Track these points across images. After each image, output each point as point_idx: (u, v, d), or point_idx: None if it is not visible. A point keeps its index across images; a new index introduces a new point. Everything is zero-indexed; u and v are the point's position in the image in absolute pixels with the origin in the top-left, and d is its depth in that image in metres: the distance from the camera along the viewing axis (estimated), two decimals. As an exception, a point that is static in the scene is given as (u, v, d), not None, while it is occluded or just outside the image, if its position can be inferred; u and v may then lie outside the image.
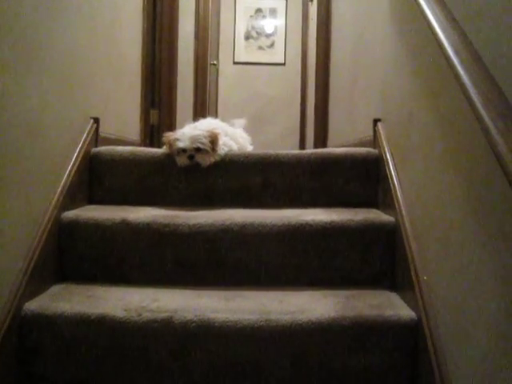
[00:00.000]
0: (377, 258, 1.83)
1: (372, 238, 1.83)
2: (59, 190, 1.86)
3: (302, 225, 1.81)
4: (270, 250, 1.82)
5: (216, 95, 6.84)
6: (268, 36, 7.25)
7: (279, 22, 7.23)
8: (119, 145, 2.44)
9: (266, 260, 1.82)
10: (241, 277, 1.82)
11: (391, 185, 1.91)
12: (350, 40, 3.12)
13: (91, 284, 1.79)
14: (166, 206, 2.08)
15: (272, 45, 7.23)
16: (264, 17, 7.27)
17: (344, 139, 3.24)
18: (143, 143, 3.26)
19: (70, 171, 1.95)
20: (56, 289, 1.75)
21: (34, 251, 1.66)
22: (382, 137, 2.11)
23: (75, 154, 2.01)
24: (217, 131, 2.17)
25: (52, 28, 1.81)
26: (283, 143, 6.90)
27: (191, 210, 2.02)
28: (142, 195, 2.15)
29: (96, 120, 2.23)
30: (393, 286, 1.81)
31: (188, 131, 2.14)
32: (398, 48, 1.98)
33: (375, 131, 2.21)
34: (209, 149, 2.09)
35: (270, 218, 1.85)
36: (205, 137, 2.10)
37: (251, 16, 7.26)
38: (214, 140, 2.12)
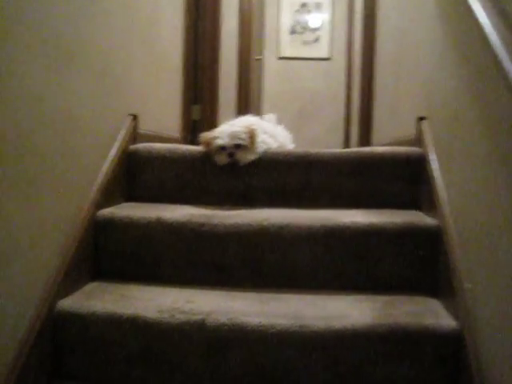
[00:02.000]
0: (417, 263, 1.76)
1: (413, 242, 1.76)
2: (95, 187, 1.86)
3: (339, 227, 1.75)
4: (307, 252, 1.77)
5: (260, 90, 6.79)
6: (313, 31, 7.15)
7: (324, 16, 7.13)
8: (158, 142, 2.42)
9: (302, 262, 1.77)
10: (276, 279, 1.78)
11: (436, 186, 1.83)
12: (395, 36, 3.03)
13: (125, 283, 1.78)
14: (203, 205, 2.05)
15: (317, 39, 7.13)
16: (309, 11, 7.17)
17: (387, 137, 3.16)
18: (184, 140, 3.25)
19: (108, 169, 1.94)
20: (90, 287, 1.74)
21: (69, 249, 1.65)
22: (427, 135, 2.02)
23: (112, 151, 2.00)
24: (254, 127, 2.13)
25: (88, 26, 1.80)
26: (327, 140, 6.81)
27: (228, 209, 1.99)
28: (179, 193, 2.12)
29: (134, 117, 2.22)
30: (433, 293, 1.73)
31: (226, 128, 2.11)
32: (443, 44, 1.89)
33: (419, 130, 2.13)
34: (248, 145, 2.06)
35: (307, 219, 1.79)
36: (244, 133, 2.07)
37: (296, 10, 7.18)
38: (252, 136, 2.08)
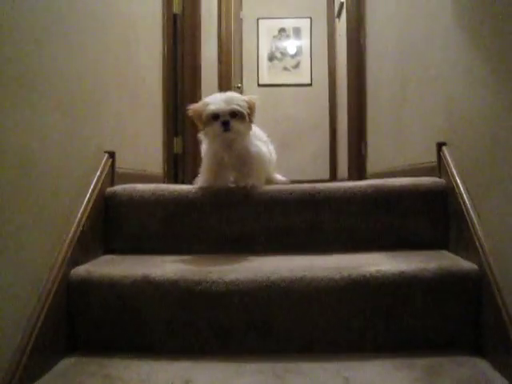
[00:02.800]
0: (457, 316, 1.48)
1: (450, 291, 1.48)
2: (67, 240, 1.55)
3: (365, 278, 1.46)
4: (326, 311, 1.47)
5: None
6: (293, 56, 6.97)
7: (304, 41, 6.97)
8: (140, 180, 2.14)
9: (320, 323, 1.47)
10: (289, 344, 1.48)
11: (469, 222, 1.56)
12: (394, 53, 2.79)
13: (108, 357, 1.46)
14: (197, 254, 1.76)
15: (297, 65, 6.95)
16: (288, 36, 7.01)
17: (388, 165, 2.91)
18: (166, 176, 2.95)
19: (81, 217, 1.63)
20: (65, 365, 1.42)
21: (36, 319, 1.34)
22: (451, 164, 1.76)
23: (87, 196, 1.70)
24: (254, 100, 1.82)
25: (53, 48, 1.51)
26: (312, 169, 6.57)
27: (227, 259, 1.69)
28: (168, 241, 1.82)
29: (111, 154, 1.92)
30: (478, 350, 1.45)
31: (221, 94, 1.81)
32: (470, 55, 1.64)
33: (440, 157, 1.86)
34: (246, 114, 1.76)
35: (323, 269, 1.50)
36: (242, 100, 1.77)
37: (274, 36, 7.01)
38: (251, 107, 1.78)
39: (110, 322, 1.52)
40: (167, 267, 1.57)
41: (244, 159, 1.84)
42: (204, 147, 1.91)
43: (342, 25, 5.43)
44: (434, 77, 2.03)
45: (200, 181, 1.88)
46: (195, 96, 3.82)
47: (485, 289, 1.44)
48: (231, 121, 1.73)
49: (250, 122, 1.79)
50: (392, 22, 2.86)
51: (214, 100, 1.75)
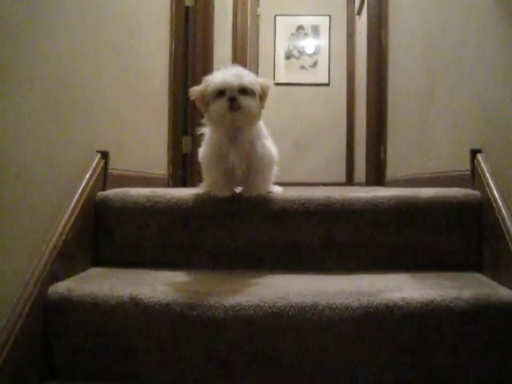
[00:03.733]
0: (496, 355, 1.26)
1: (488, 325, 1.26)
2: (47, 252, 1.35)
3: (388, 307, 1.24)
4: (340, 345, 1.26)
5: (256, 119, 6.33)
6: (311, 55, 6.74)
7: (322, 39, 6.74)
8: (140, 183, 1.96)
9: (333, 358, 1.26)
10: (298, 382, 1.27)
11: (509, 242, 1.35)
12: (420, 50, 2.57)
13: (89, 388, 1.27)
14: (195, 270, 1.55)
15: (315, 64, 6.72)
16: (306, 34, 6.78)
17: (410, 171, 2.70)
18: (172, 178, 2.75)
19: (65, 225, 1.44)
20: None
21: (8, 346, 1.15)
22: (487, 174, 1.54)
23: (73, 202, 1.50)
24: (268, 81, 1.55)
25: (35, 31, 1.32)
26: (327, 173, 6.35)
27: (228, 277, 1.48)
28: (163, 254, 1.62)
29: (104, 154, 1.72)
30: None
31: (230, 68, 1.50)
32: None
33: (474, 166, 1.64)
34: (257, 96, 1.48)
35: (338, 294, 1.29)
36: (254, 79, 1.49)
37: (292, 34, 6.79)
38: (264, 90, 1.51)
39: (92, 348, 1.32)
40: (159, 286, 1.36)
41: (251, 161, 1.58)
42: (203, 145, 1.64)
43: (362, 23, 5.21)
44: (467, 75, 1.81)
45: (204, 186, 1.67)
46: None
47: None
48: (238, 97, 1.44)
49: (262, 107, 1.52)
50: (418, 16, 2.64)
51: (219, 74, 1.47)
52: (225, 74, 1.46)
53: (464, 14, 1.85)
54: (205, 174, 1.64)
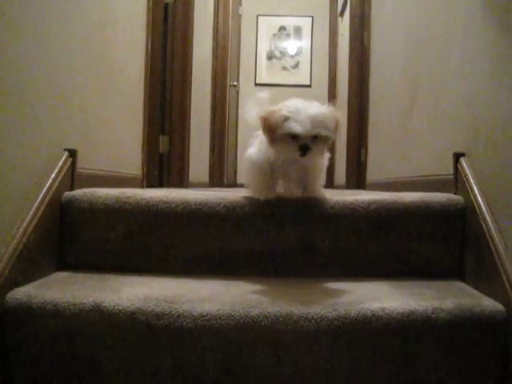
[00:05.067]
0: (477, 368, 1.21)
1: (471, 338, 1.20)
2: (6, 256, 1.27)
3: (366, 318, 1.18)
4: (317, 357, 1.19)
5: (236, 118, 6.26)
6: (292, 56, 6.69)
7: (304, 40, 6.70)
8: (111, 183, 1.88)
9: (310, 371, 1.19)
10: (272, 396, 1.20)
11: (493, 250, 1.30)
12: (403, 51, 2.51)
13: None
14: (164, 277, 1.47)
15: (297, 65, 6.68)
16: (288, 35, 6.74)
17: (391, 175, 2.64)
18: (147, 178, 2.67)
19: (27, 227, 1.35)
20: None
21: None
22: (471, 179, 1.48)
23: (36, 202, 1.41)
24: (340, 115, 1.44)
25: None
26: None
27: (200, 284, 1.41)
28: (131, 259, 1.53)
29: (72, 153, 1.63)
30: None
31: (303, 106, 1.38)
32: (498, 49, 1.37)
33: (457, 170, 1.59)
34: (330, 137, 1.39)
35: (315, 303, 1.22)
36: (329, 118, 1.38)
37: (274, 34, 6.75)
38: (337, 126, 1.40)
39: (53, 360, 1.23)
40: (125, 293, 1.28)
41: (306, 170, 1.50)
42: (256, 149, 1.56)
43: (344, 24, 5.17)
44: (451, 77, 1.75)
45: (253, 191, 1.56)
46: (185, 94, 3.55)
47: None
48: (312, 145, 1.36)
49: (333, 139, 1.42)
50: (401, 16, 2.59)
51: (295, 115, 1.35)
52: (302, 116, 1.34)
53: (448, 15, 1.80)
54: (250, 177, 1.56)
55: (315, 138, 1.35)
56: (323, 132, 1.35)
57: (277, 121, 1.36)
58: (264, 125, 1.40)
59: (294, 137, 1.35)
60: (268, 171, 1.49)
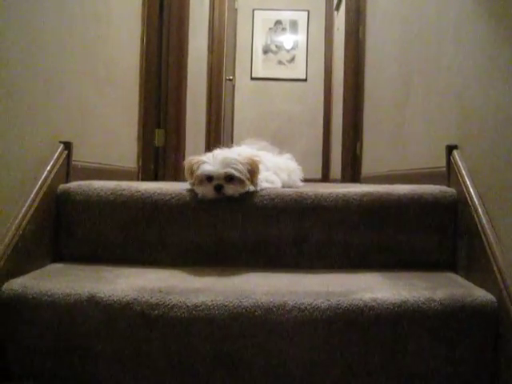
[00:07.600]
0: (469, 357, 1.22)
1: (462, 327, 1.22)
2: (2, 247, 1.28)
3: (358, 308, 1.19)
4: (310, 347, 1.20)
5: (232, 113, 6.26)
6: (288, 50, 6.69)
7: (300, 34, 6.69)
8: (106, 176, 1.88)
9: (303, 360, 1.21)
10: (266, 386, 1.21)
11: (484, 241, 1.32)
12: (397, 45, 2.52)
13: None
14: (158, 268, 1.48)
15: (293, 59, 6.67)
16: (284, 29, 6.73)
17: (386, 168, 2.65)
18: (143, 171, 2.68)
19: (22, 219, 1.36)
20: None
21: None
22: (463, 171, 1.50)
23: (32, 194, 1.42)
24: (257, 159, 1.58)
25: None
26: (304, 167, 6.28)
27: (195, 275, 1.42)
28: (127, 250, 1.54)
29: (67, 145, 1.64)
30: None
31: (219, 153, 1.57)
32: (490, 43, 1.38)
33: (450, 162, 1.60)
34: (245, 179, 1.52)
35: (307, 293, 1.24)
36: (241, 163, 1.52)
37: (270, 28, 6.73)
38: (253, 169, 1.53)
39: (49, 350, 1.25)
40: (120, 284, 1.29)
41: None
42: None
43: (340, 18, 5.17)
44: (444, 70, 1.76)
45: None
46: (180, 87, 3.55)
47: (504, 326, 1.19)
48: (225, 185, 1.51)
49: (252, 183, 1.55)
50: (396, 10, 2.59)
51: (210, 159, 1.53)
52: (213, 160, 1.52)
53: (442, 9, 1.81)
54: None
55: (231, 179, 1.51)
56: (233, 172, 1.50)
57: (194, 166, 1.55)
58: (186, 169, 1.59)
59: (208, 178, 1.52)
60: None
